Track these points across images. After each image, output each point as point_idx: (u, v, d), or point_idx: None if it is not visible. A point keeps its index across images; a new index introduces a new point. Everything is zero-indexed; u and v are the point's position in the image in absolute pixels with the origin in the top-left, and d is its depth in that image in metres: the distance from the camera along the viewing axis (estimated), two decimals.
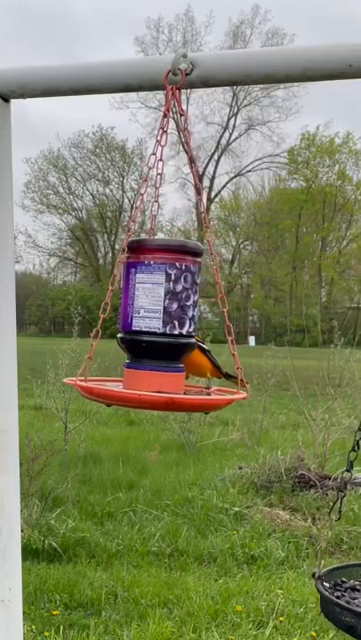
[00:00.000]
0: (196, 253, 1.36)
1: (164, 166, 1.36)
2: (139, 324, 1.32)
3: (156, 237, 1.41)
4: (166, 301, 1.32)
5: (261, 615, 4.04)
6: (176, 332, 1.33)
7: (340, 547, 5.22)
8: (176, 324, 1.33)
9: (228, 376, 1.64)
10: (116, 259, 1.37)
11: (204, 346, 1.55)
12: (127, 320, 1.33)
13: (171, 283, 1.32)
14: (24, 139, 51.18)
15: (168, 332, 1.33)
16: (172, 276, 1.32)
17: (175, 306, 1.33)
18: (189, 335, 1.36)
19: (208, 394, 1.47)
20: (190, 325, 1.35)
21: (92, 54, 57.50)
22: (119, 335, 1.36)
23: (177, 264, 1.33)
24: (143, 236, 1.42)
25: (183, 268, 1.33)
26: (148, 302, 1.32)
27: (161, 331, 1.32)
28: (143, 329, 1.32)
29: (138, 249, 1.34)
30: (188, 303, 1.34)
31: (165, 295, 1.32)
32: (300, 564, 4.91)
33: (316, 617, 3.94)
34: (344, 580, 1.62)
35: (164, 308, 1.32)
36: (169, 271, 1.32)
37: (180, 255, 1.34)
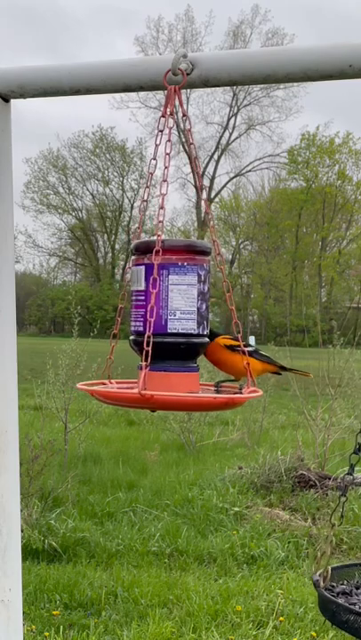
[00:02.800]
0: (210, 253, 1.38)
1: (156, 166, 1.36)
2: (175, 325, 1.31)
3: (179, 239, 1.41)
4: (199, 302, 1.33)
5: (261, 615, 4.04)
6: (205, 332, 1.36)
7: (340, 547, 5.22)
8: (205, 324, 1.35)
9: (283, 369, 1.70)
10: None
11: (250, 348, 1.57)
12: (161, 322, 1.31)
13: (201, 284, 1.34)
14: (24, 139, 51.25)
15: (201, 332, 1.34)
16: (202, 277, 1.34)
17: (204, 306, 1.35)
18: (207, 334, 1.39)
19: (218, 391, 1.50)
20: (209, 325, 1.38)
21: (91, 54, 57.56)
22: (151, 337, 1.30)
23: (204, 265, 1.35)
24: (143, 236, 1.42)
25: (208, 268, 1.36)
26: (184, 304, 1.32)
27: (196, 332, 1.33)
28: (180, 331, 1.32)
29: (165, 250, 1.31)
30: (209, 303, 1.37)
31: (198, 296, 1.33)
32: (300, 564, 4.91)
33: (316, 617, 3.94)
34: (333, 584, 1.60)
35: (198, 308, 1.33)
36: (199, 272, 1.33)
37: (204, 256, 1.36)
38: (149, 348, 1.24)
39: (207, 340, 1.37)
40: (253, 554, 4.98)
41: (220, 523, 5.60)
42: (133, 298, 1.36)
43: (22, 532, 4.86)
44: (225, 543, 5.14)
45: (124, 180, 49.91)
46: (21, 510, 4.53)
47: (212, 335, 1.48)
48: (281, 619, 3.94)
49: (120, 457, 7.96)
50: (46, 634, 3.68)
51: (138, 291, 1.34)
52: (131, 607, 4.12)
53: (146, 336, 1.25)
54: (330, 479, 6.38)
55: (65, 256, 52.86)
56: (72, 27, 65.06)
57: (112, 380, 1.49)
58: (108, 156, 49.69)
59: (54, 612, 3.97)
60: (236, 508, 5.84)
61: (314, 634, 3.78)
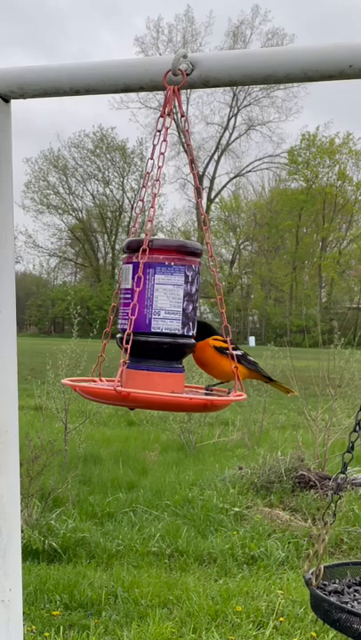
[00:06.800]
0: (200, 255, 1.37)
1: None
2: (159, 325, 1.31)
3: (170, 238, 1.41)
4: (185, 303, 1.33)
5: (261, 616, 4.04)
6: (190, 334, 1.35)
7: (340, 547, 5.22)
8: (191, 325, 1.34)
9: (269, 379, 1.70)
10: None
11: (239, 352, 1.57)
12: (144, 321, 1.32)
13: (188, 284, 1.33)
14: (24, 139, 51.27)
15: (185, 333, 1.34)
16: (189, 278, 1.33)
17: (191, 307, 1.34)
18: (193, 336, 1.38)
19: (208, 394, 1.47)
20: (195, 326, 1.37)
21: (90, 54, 57.54)
22: (132, 335, 1.32)
23: (193, 266, 1.34)
24: (142, 236, 1.42)
25: (197, 270, 1.35)
26: (170, 304, 1.31)
27: (180, 332, 1.33)
28: (164, 330, 1.31)
29: (154, 249, 1.32)
30: (197, 304, 1.36)
31: (184, 297, 1.33)
32: (300, 564, 4.91)
33: (316, 617, 3.94)
34: (325, 583, 1.59)
35: (183, 309, 1.33)
36: (187, 273, 1.33)
37: (193, 257, 1.35)
38: (128, 346, 1.25)
39: (193, 341, 1.36)
40: (253, 554, 4.98)
41: (220, 523, 5.60)
42: (121, 296, 1.36)
43: (22, 532, 4.86)
44: (225, 543, 5.13)
45: (125, 181, 49.97)
46: (21, 510, 4.53)
47: (207, 333, 1.48)
48: (281, 619, 3.94)
49: (120, 457, 7.96)
50: (46, 634, 3.68)
51: (126, 289, 1.34)
52: (131, 607, 4.12)
53: (125, 334, 1.26)
54: (330, 479, 6.38)
55: (65, 256, 52.91)
56: (68, 26, 64.97)
57: (103, 378, 1.48)
58: (108, 156, 49.75)
59: (54, 613, 3.97)
60: (237, 509, 5.84)
61: (314, 634, 3.78)
